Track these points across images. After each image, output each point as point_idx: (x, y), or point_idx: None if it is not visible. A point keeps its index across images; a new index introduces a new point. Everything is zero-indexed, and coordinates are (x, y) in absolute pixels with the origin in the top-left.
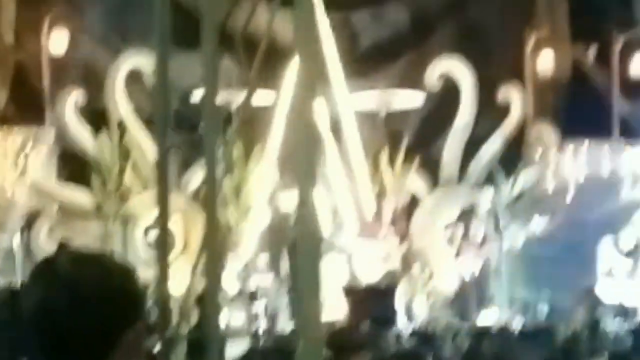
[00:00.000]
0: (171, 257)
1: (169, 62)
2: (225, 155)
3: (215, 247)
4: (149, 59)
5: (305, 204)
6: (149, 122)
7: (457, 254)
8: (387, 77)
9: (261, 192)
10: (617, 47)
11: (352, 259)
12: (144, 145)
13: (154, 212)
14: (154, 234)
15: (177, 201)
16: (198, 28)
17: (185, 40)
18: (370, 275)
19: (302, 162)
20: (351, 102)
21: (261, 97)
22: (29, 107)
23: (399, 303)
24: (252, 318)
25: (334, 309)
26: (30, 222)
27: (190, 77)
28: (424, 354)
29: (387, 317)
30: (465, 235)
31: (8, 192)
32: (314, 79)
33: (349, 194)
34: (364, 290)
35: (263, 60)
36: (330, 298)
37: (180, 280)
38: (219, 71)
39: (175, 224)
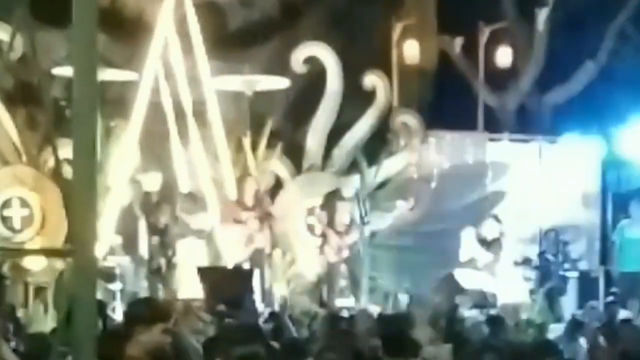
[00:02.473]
0: (29, 234)
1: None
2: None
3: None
4: (5, 32)
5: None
6: (3, 95)
7: (320, 240)
8: (254, 61)
9: (121, 172)
10: (484, 38)
11: (213, 242)
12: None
13: (10, 191)
14: (9, 210)
15: (36, 178)
16: (61, 5)
17: (49, 17)
18: (232, 259)
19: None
20: (215, 85)
21: (124, 75)
22: None
23: (258, 286)
24: (109, 298)
25: (190, 289)
26: None
27: (55, 54)
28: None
29: (242, 300)
30: (329, 221)
31: None
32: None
33: (210, 176)
34: (219, 271)
35: (129, 39)
36: (187, 279)
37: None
38: (95, 49)
39: (33, 202)
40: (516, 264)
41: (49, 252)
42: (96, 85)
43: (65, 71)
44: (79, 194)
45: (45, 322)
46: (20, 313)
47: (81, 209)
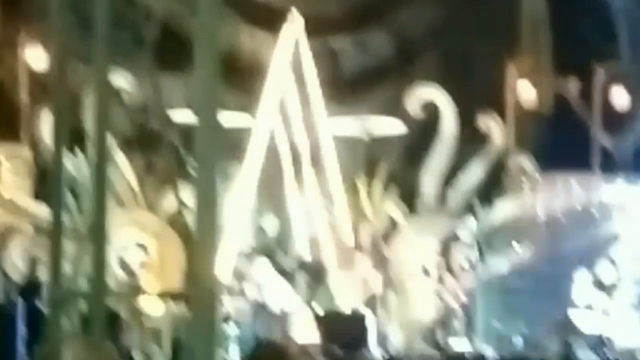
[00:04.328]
0: (147, 278)
1: (148, 81)
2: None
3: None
4: (128, 77)
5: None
6: (125, 141)
7: (435, 283)
8: (368, 104)
9: (238, 216)
10: (599, 79)
11: (331, 286)
12: (119, 164)
13: (128, 232)
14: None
15: (154, 223)
16: (181, 50)
17: (168, 61)
18: (348, 303)
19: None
20: (331, 128)
21: (240, 120)
22: (5, 124)
23: (373, 330)
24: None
25: (307, 333)
26: (3, 240)
27: (171, 98)
28: None
29: (359, 343)
30: (444, 264)
31: None
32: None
33: (326, 221)
34: (335, 315)
35: (245, 84)
36: (302, 323)
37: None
38: (216, 94)
39: (152, 247)
40: (634, 306)
41: (170, 296)
42: (218, 130)
43: (183, 117)
44: (200, 239)
45: None
46: (137, 356)
47: (202, 254)
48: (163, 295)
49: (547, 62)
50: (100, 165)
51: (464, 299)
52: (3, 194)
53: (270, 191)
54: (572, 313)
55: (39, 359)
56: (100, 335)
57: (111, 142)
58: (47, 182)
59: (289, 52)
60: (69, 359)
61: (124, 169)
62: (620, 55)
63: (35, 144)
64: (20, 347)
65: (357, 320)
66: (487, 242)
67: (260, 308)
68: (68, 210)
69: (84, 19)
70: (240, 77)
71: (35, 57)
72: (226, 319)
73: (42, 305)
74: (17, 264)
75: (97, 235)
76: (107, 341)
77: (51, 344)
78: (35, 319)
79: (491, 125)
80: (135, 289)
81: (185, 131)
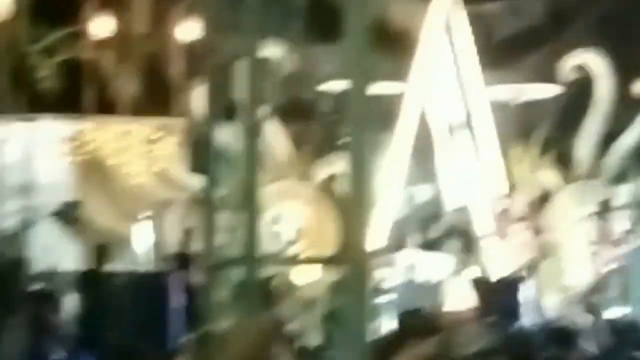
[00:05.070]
0: (299, 247)
1: (301, 53)
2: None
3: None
4: (279, 48)
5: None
6: (277, 110)
7: (591, 250)
8: (521, 70)
9: (390, 185)
10: None
11: (484, 254)
12: (271, 135)
13: (281, 205)
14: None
15: (308, 192)
16: (333, 21)
17: (321, 33)
18: (502, 270)
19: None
20: (485, 94)
21: (391, 88)
22: (159, 97)
23: (528, 298)
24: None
25: (463, 300)
26: (159, 212)
27: (324, 68)
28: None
29: (513, 310)
30: (599, 231)
31: (138, 181)
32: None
33: (481, 188)
34: (489, 283)
35: (395, 52)
36: (459, 290)
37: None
38: (366, 64)
39: (305, 215)
40: None
41: (321, 261)
42: (369, 98)
43: (332, 86)
44: (353, 207)
45: (315, 335)
46: (290, 325)
47: (354, 220)
48: (315, 263)
49: None
50: (252, 135)
51: (618, 265)
52: (158, 166)
53: (423, 159)
54: None
55: (196, 331)
56: (254, 304)
57: (263, 112)
58: (200, 154)
59: (441, 18)
60: (224, 328)
61: (276, 138)
62: None
63: (188, 117)
64: (174, 317)
65: (511, 287)
66: None
67: (411, 277)
68: (221, 181)
69: None
70: (392, 45)
71: (186, 29)
72: (377, 287)
73: (196, 276)
74: (172, 235)
75: (249, 205)
76: (260, 310)
77: (204, 314)
78: (188, 289)
79: None
80: (288, 258)
81: (337, 100)
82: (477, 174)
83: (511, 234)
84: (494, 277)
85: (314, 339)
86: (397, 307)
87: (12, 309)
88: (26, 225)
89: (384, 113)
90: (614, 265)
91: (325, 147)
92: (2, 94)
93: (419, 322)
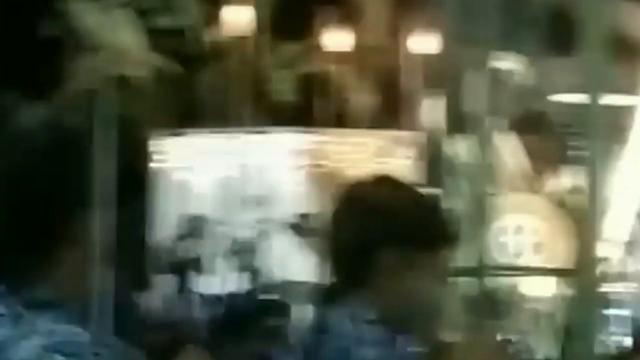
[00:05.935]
0: (535, 261)
1: (536, 65)
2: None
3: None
4: (512, 60)
5: None
6: (512, 123)
7: None
8: None
9: (624, 199)
10: None
11: None
12: (501, 147)
13: (515, 217)
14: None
15: (543, 206)
16: (569, 33)
17: (557, 45)
18: None
19: None
20: None
21: (626, 100)
22: (391, 110)
23: None
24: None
25: None
26: None
27: (556, 80)
28: None
29: None
30: None
31: None
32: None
33: None
34: None
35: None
36: None
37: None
38: (604, 76)
39: (542, 230)
40: None
41: (552, 273)
42: (605, 110)
43: (566, 98)
44: (588, 219)
45: (548, 349)
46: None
47: (589, 234)
48: (545, 274)
49: None
50: (484, 148)
51: None
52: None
53: None
54: None
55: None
56: (482, 316)
57: (498, 124)
58: (436, 166)
59: None
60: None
61: (510, 150)
62: None
63: (422, 129)
64: None
65: None
66: None
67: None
68: (457, 194)
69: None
70: (628, 56)
71: (420, 42)
72: (610, 300)
73: None
74: None
75: (479, 217)
76: (490, 321)
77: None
78: None
79: None
80: (518, 270)
81: (571, 113)
82: None
83: None
84: None
85: (542, 354)
86: (632, 323)
87: (246, 320)
88: (262, 236)
89: (617, 125)
90: None
91: (559, 159)
92: (241, 106)
93: None
